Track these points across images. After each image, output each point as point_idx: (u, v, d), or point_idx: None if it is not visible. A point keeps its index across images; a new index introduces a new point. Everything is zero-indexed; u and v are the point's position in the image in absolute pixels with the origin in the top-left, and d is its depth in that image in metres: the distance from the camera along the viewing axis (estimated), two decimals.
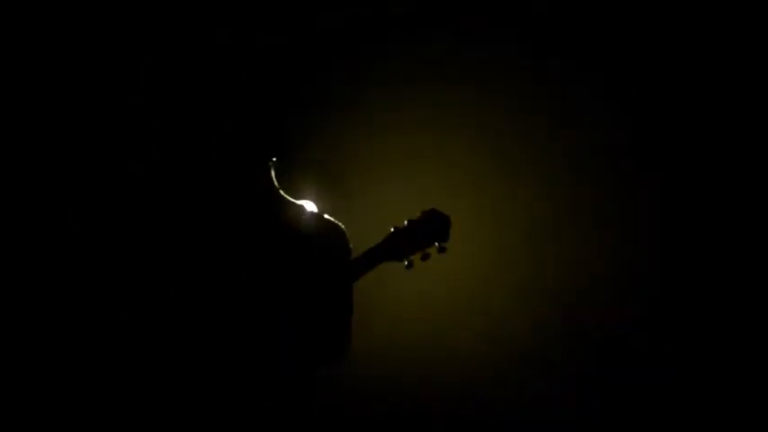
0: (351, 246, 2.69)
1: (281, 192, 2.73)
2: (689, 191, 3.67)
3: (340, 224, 2.73)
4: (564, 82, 3.75)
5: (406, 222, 2.50)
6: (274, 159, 2.68)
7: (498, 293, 3.72)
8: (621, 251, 3.71)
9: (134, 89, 3.74)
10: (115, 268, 3.65)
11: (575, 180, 3.75)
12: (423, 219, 2.50)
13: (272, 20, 3.80)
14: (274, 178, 2.71)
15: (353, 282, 2.56)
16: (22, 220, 3.63)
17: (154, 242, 3.64)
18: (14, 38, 3.65)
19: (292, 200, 2.75)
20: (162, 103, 3.76)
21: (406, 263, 2.48)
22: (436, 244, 2.48)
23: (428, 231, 2.48)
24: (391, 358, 3.68)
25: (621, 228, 3.72)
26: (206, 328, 2.65)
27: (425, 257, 2.47)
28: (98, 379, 3.59)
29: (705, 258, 3.64)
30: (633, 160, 3.71)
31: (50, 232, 3.64)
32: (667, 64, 3.68)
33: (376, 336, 3.60)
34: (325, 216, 2.74)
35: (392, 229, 2.51)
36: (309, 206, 2.78)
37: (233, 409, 2.60)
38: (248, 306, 2.63)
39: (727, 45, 3.62)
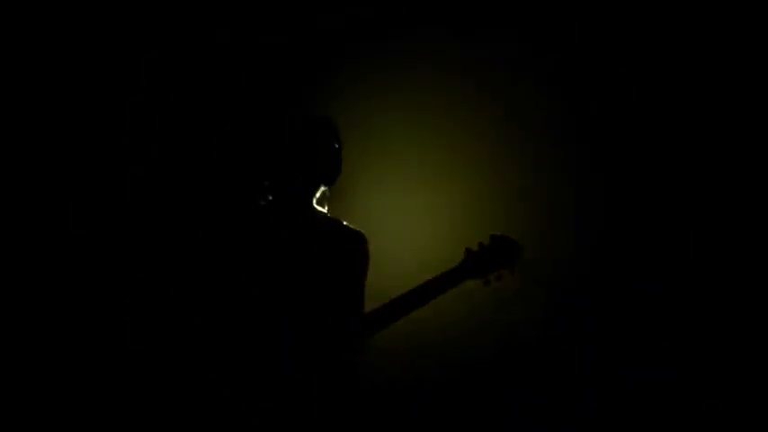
0: (370, 253, 2.74)
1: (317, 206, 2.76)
2: (690, 190, 3.68)
3: (362, 231, 2.75)
4: (564, 81, 3.75)
5: (478, 245, 2.77)
6: (327, 187, 2.75)
7: (496, 292, 3.72)
8: (621, 251, 3.71)
9: (134, 89, 3.74)
10: (115, 268, 3.65)
11: (574, 179, 3.75)
12: (496, 244, 2.79)
13: (272, 20, 3.80)
14: (317, 197, 2.75)
15: (436, 298, 2.72)
16: (23, 220, 3.63)
17: (154, 242, 3.65)
18: (14, 38, 3.65)
19: (320, 208, 2.77)
20: (162, 103, 3.76)
21: (485, 281, 2.79)
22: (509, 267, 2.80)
23: (502, 256, 2.79)
24: (389, 359, 3.68)
25: (621, 227, 3.72)
26: (207, 328, 2.65)
27: (499, 278, 2.80)
28: (98, 379, 3.59)
29: (705, 258, 3.64)
30: (635, 159, 3.71)
31: (50, 232, 3.64)
32: (666, 64, 3.68)
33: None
34: (345, 223, 2.76)
35: (465, 251, 2.76)
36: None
37: (233, 409, 2.60)
38: (253, 307, 2.63)
39: (727, 45, 3.62)
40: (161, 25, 3.75)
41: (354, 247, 2.72)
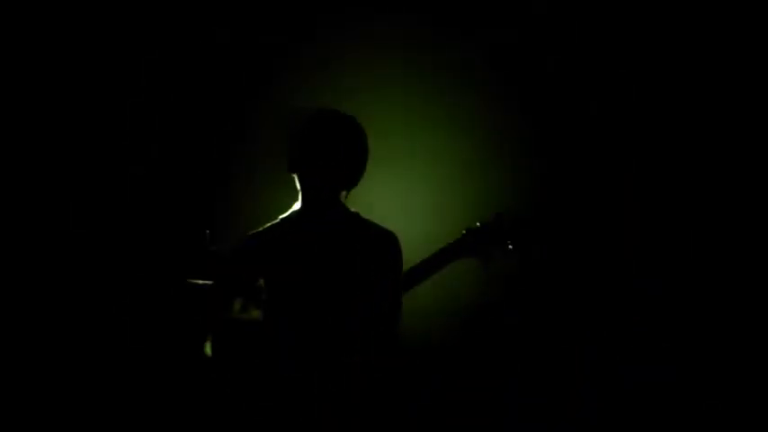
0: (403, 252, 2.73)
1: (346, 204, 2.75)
2: (689, 190, 3.68)
3: (392, 232, 2.74)
4: (562, 82, 3.75)
5: (478, 224, 2.66)
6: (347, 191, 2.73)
7: (496, 292, 3.72)
8: (621, 251, 3.71)
9: (134, 89, 3.74)
10: (115, 268, 3.65)
11: (574, 178, 3.75)
12: (495, 221, 2.68)
13: (272, 20, 3.80)
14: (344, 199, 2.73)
15: (427, 278, 2.65)
16: (23, 220, 3.63)
17: (153, 242, 3.65)
18: (14, 38, 3.65)
19: (352, 209, 2.76)
20: (162, 103, 3.76)
21: (482, 260, 2.67)
22: (509, 244, 2.68)
23: (501, 232, 2.66)
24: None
25: (621, 227, 3.72)
26: (208, 328, 2.65)
27: (504, 254, 2.69)
28: (98, 379, 3.59)
29: (705, 258, 3.64)
30: (635, 159, 3.72)
31: (50, 232, 3.64)
32: (666, 64, 3.69)
33: None
34: (378, 224, 2.75)
35: (464, 231, 2.67)
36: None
37: (234, 409, 2.60)
38: (264, 307, 2.64)
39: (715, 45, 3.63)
40: (161, 25, 3.74)
41: (382, 247, 2.70)
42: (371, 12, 3.79)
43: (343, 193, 2.73)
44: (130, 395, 3.54)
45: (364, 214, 2.77)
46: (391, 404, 2.68)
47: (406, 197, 3.75)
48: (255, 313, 2.63)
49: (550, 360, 3.71)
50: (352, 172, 2.71)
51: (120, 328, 3.60)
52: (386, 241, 2.70)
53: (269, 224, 2.77)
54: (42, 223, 3.65)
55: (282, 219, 2.76)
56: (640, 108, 3.72)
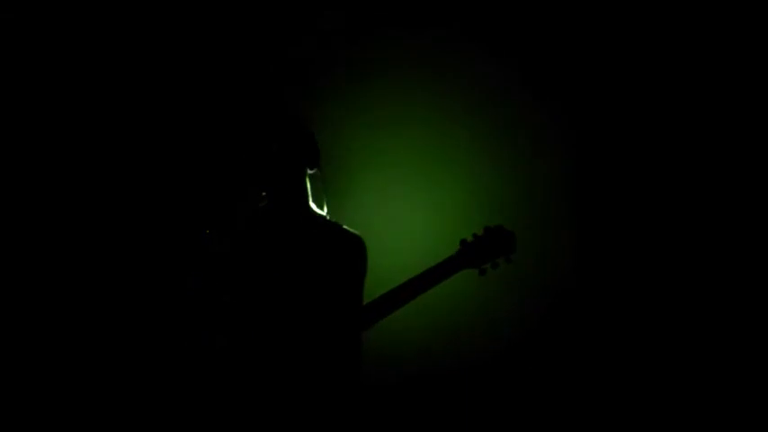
0: (367, 257, 2.77)
1: (311, 202, 2.76)
2: (689, 190, 3.68)
3: (359, 235, 2.76)
4: (563, 82, 3.76)
5: (472, 236, 2.86)
6: (314, 170, 2.74)
7: (496, 292, 3.72)
8: (620, 251, 3.72)
9: (134, 89, 3.75)
10: (115, 268, 3.65)
11: (573, 179, 3.76)
12: (490, 235, 2.87)
13: (271, 20, 3.81)
14: (308, 188, 2.75)
15: (426, 291, 2.79)
16: (22, 220, 3.63)
17: (153, 244, 3.65)
18: (15, 38, 3.66)
19: (318, 210, 2.77)
20: (162, 103, 3.76)
21: (480, 270, 2.87)
22: (503, 255, 2.89)
23: (497, 246, 2.87)
24: (389, 360, 3.68)
25: (621, 227, 3.73)
26: (205, 330, 2.66)
27: (495, 266, 2.87)
28: (98, 379, 3.59)
29: (705, 258, 3.64)
30: (634, 159, 3.72)
31: (50, 232, 3.65)
32: (665, 66, 3.69)
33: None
34: (345, 227, 2.77)
35: (460, 245, 2.85)
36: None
37: (233, 410, 2.60)
38: (249, 309, 2.64)
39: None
40: (162, 26, 3.75)
41: (352, 250, 2.73)
42: (371, 12, 3.79)
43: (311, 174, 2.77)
44: (131, 397, 3.54)
45: (358, 224, 2.81)
46: (359, 406, 2.70)
47: (405, 200, 3.75)
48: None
49: (550, 360, 3.71)
50: (275, 165, 2.74)
51: (119, 329, 3.60)
52: (353, 245, 2.74)
53: (243, 222, 2.79)
54: (42, 223, 3.65)
55: (249, 218, 2.78)
56: (639, 107, 3.72)
